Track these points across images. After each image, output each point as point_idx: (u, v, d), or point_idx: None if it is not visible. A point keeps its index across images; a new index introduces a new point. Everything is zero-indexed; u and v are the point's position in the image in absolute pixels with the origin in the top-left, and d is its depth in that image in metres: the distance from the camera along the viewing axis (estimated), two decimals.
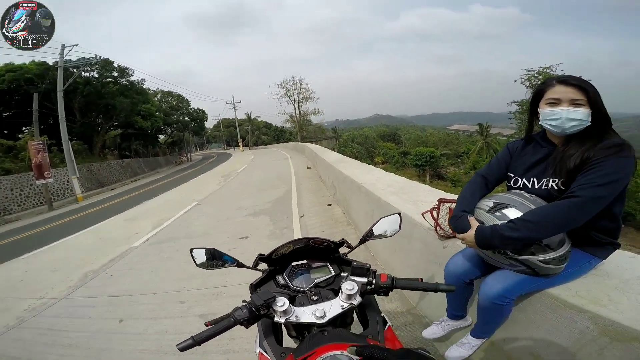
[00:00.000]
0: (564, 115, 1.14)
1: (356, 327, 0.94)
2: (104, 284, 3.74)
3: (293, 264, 1.03)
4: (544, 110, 1.20)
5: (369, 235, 1.10)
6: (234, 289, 3.03)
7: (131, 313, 2.94)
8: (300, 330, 0.86)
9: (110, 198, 13.17)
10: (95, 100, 20.10)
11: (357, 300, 0.83)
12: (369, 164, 7.09)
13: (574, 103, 1.13)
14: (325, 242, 1.02)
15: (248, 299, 0.82)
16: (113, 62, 21.11)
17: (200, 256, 1.02)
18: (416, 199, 2.69)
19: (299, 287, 0.96)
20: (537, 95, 1.25)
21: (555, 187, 1.18)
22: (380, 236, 1.11)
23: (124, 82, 22.55)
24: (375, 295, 0.94)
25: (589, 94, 1.12)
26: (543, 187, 1.22)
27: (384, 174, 4.12)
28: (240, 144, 42.65)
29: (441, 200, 1.79)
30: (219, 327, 0.76)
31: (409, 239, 2.37)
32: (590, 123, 1.14)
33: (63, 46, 13.32)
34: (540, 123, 1.24)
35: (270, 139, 55.58)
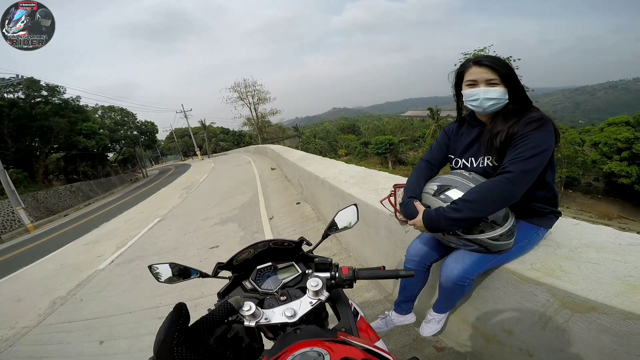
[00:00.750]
0: (481, 95, 1.19)
1: (334, 321, 0.96)
2: (76, 309, 3.65)
3: (258, 267, 1.04)
4: (465, 92, 1.26)
5: (329, 229, 1.11)
6: (211, 298, 3.00)
7: (110, 334, 2.90)
8: (275, 331, 0.86)
9: (64, 224, 12.27)
10: (27, 123, 18.24)
11: (324, 295, 0.84)
12: (333, 157, 7.24)
13: (489, 83, 1.18)
14: (286, 242, 1.02)
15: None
16: (39, 81, 19.25)
17: (163, 272, 1.00)
18: (376, 187, 2.80)
19: (267, 290, 0.96)
20: (458, 77, 1.31)
21: (490, 165, 1.24)
22: (340, 229, 1.12)
23: (57, 101, 20.59)
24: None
25: (502, 73, 1.17)
26: (480, 166, 1.28)
27: (346, 167, 4.25)
28: (198, 152, 40.95)
29: (396, 186, 1.83)
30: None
31: (375, 227, 2.42)
32: (508, 100, 1.20)
33: None
34: (464, 104, 1.31)
35: (230, 145, 53.97)
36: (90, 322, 3.24)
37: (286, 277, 1.00)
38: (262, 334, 0.90)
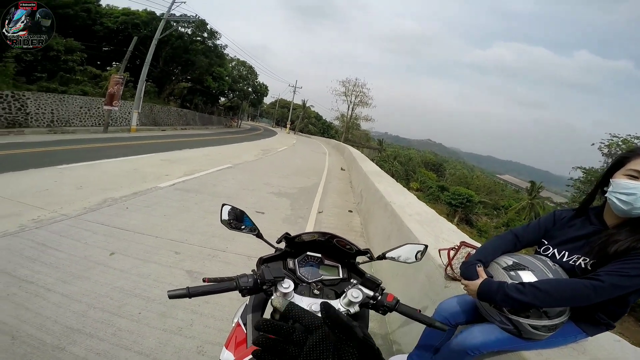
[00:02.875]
0: None
1: None
2: (116, 214, 3.80)
3: (308, 253, 1.03)
4: (619, 181, 1.07)
5: (388, 254, 1.07)
6: (231, 256, 3.11)
7: (125, 248, 2.97)
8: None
9: (158, 137, 14.04)
10: (180, 53, 21.85)
11: (355, 309, 0.82)
12: (404, 186, 6.93)
13: None
14: (349, 245, 0.99)
15: (250, 270, 0.85)
16: (207, 24, 22.80)
17: (228, 213, 1.05)
18: (438, 234, 2.58)
19: (304, 277, 0.96)
20: (618, 163, 1.12)
21: (582, 266, 1.13)
22: (399, 259, 1.08)
23: (210, 44, 24.23)
24: (371, 311, 0.92)
25: None
26: (570, 262, 1.16)
27: (416, 201, 3.98)
28: (288, 125, 43.60)
29: (463, 243, 1.78)
30: (217, 286, 0.77)
31: (416, 268, 2.29)
32: None
33: (173, 1, 14.90)
34: (607, 195, 1.12)
35: (317, 131, 56.29)
36: (118, 231, 3.32)
37: (326, 275, 0.98)
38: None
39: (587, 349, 1.28)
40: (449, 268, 1.83)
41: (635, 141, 19.31)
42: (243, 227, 1.06)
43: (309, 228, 4.48)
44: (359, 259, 1.07)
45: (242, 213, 1.06)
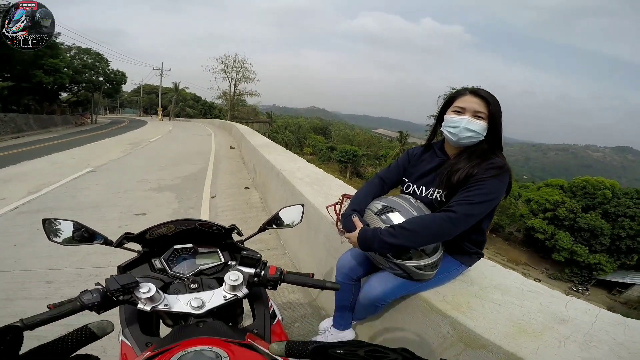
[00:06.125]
0: (463, 124, 1.17)
1: (249, 319, 0.90)
2: None
3: (175, 247, 0.93)
4: (448, 117, 1.23)
5: (269, 224, 1.05)
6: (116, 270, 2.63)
7: None
8: (177, 319, 0.79)
9: None
10: None
11: (242, 291, 0.76)
12: (297, 153, 7.09)
13: (475, 114, 1.17)
14: (215, 226, 0.92)
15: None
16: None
17: (63, 229, 0.88)
18: (328, 192, 2.72)
19: (178, 273, 0.87)
20: (448, 102, 1.28)
21: (438, 198, 1.24)
22: (281, 225, 1.07)
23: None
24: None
25: (491, 110, 1.17)
26: (428, 196, 1.27)
27: (305, 164, 4.11)
28: (160, 112, 38.02)
29: (344, 196, 1.78)
30: (58, 311, 0.62)
31: (315, 231, 2.38)
32: (483, 138, 1.20)
33: None
34: (441, 129, 1.28)
35: (196, 113, 51.08)
36: None
37: (205, 263, 0.91)
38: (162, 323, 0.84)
39: (473, 279, 1.40)
40: (338, 223, 1.83)
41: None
42: (84, 239, 0.88)
43: (204, 216, 4.16)
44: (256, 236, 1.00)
45: (75, 223, 0.88)
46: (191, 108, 51.93)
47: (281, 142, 36.55)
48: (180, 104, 49.04)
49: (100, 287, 0.68)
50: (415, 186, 1.34)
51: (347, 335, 1.65)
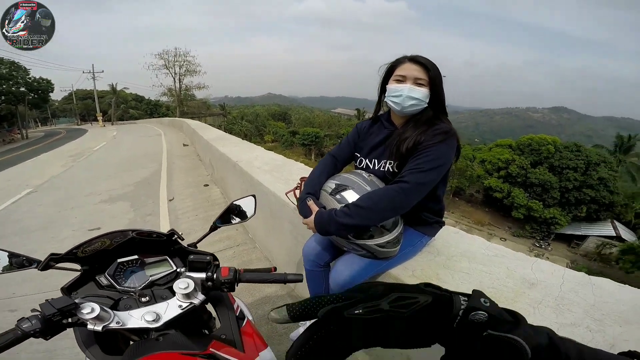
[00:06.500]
0: (405, 93, 1.15)
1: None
2: None
3: (119, 260, 0.86)
4: (390, 87, 1.21)
5: (220, 221, 0.99)
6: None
7: None
8: (140, 334, 0.74)
9: None
10: None
11: (198, 298, 0.72)
12: (259, 142, 6.82)
13: (416, 82, 1.16)
14: (155, 234, 0.87)
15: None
16: None
17: None
18: (289, 178, 2.60)
19: (128, 287, 0.82)
20: (388, 72, 1.25)
21: (391, 170, 1.23)
22: (233, 221, 1.02)
23: None
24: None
25: (431, 75, 1.16)
26: (381, 169, 1.26)
27: (263, 152, 3.92)
28: (100, 118, 34.65)
29: (303, 179, 1.70)
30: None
31: (280, 219, 2.28)
32: (427, 105, 1.19)
33: None
34: (385, 100, 1.26)
35: (142, 114, 47.43)
36: None
37: (156, 274, 0.86)
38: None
39: (438, 249, 1.39)
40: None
41: None
42: (21, 265, 0.82)
43: (164, 221, 3.91)
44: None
45: (10, 253, 0.83)
46: (135, 109, 48.12)
47: (239, 133, 35.39)
48: (122, 106, 45.20)
49: (37, 312, 0.64)
50: (367, 160, 1.32)
51: None
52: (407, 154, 1.15)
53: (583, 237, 23.00)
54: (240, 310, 0.89)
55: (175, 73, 36.27)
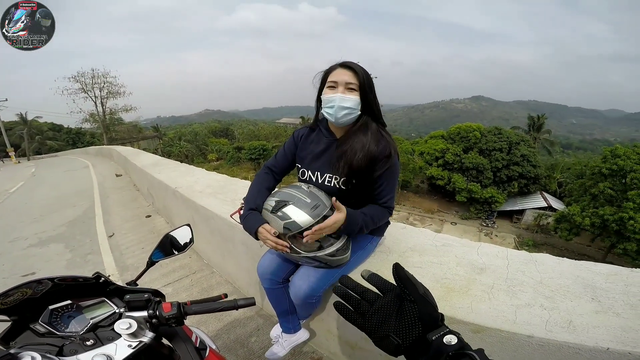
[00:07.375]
0: (337, 102, 1.15)
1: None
2: None
3: (51, 307, 0.79)
4: (324, 97, 1.20)
5: (156, 256, 0.96)
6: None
7: None
8: None
9: None
10: None
11: (147, 336, 0.70)
12: (202, 162, 6.51)
13: (347, 86, 1.16)
14: (81, 278, 0.80)
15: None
16: None
17: None
18: (234, 198, 2.60)
19: (70, 333, 0.76)
20: (323, 79, 1.24)
21: (337, 186, 1.23)
22: (172, 254, 0.99)
23: None
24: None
25: (360, 79, 1.16)
26: (326, 183, 1.25)
27: (204, 174, 3.82)
28: (12, 154, 29.96)
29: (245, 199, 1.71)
30: None
31: (232, 242, 2.25)
32: (360, 112, 1.18)
33: None
34: (322, 112, 1.23)
35: (62, 144, 42.05)
36: None
37: (96, 316, 0.81)
38: None
39: (390, 247, 1.40)
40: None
41: None
42: None
43: (107, 259, 3.62)
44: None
45: None
46: (53, 140, 42.53)
47: (178, 155, 33.33)
48: (38, 138, 39.62)
49: None
50: (310, 172, 1.30)
51: (301, 336, 1.56)
52: (358, 171, 1.16)
53: (521, 212, 25.43)
54: (200, 340, 0.87)
55: (95, 96, 32.96)
